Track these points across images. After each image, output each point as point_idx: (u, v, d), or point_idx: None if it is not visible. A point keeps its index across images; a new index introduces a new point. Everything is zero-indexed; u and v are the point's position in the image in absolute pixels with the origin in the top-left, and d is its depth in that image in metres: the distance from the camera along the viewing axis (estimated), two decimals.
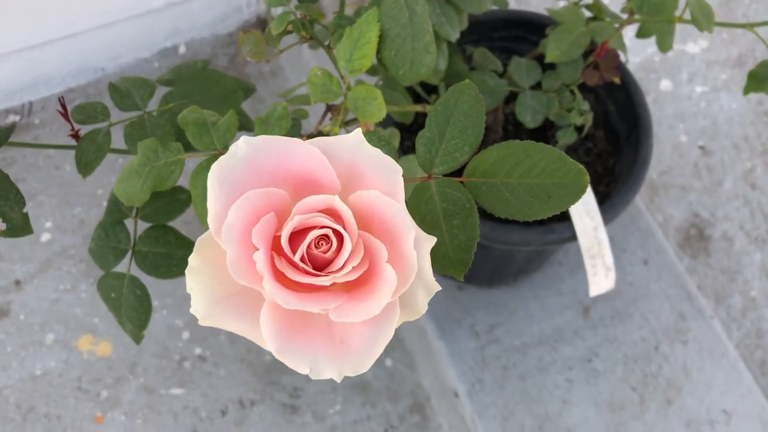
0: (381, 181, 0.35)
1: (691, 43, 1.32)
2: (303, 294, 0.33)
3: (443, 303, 0.99)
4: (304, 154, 0.34)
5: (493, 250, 0.85)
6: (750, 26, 0.78)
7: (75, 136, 0.61)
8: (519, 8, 1.21)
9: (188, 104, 0.62)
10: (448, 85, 0.77)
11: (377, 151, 0.35)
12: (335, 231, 0.34)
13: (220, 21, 1.27)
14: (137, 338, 0.67)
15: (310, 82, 0.57)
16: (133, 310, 0.65)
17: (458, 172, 0.44)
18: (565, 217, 0.78)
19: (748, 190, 1.21)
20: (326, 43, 0.61)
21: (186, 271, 0.35)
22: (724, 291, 1.13)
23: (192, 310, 0.35)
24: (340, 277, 0.34)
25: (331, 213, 0.34)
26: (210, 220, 0.34)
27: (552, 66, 0.77)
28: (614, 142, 0.88)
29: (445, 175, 0.43)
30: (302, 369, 0.34)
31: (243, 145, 0.34)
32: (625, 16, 0.81)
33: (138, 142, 0.49)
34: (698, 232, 1.17)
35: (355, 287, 0.35)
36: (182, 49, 1.28)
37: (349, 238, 0.34)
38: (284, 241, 0.34)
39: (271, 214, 0.34)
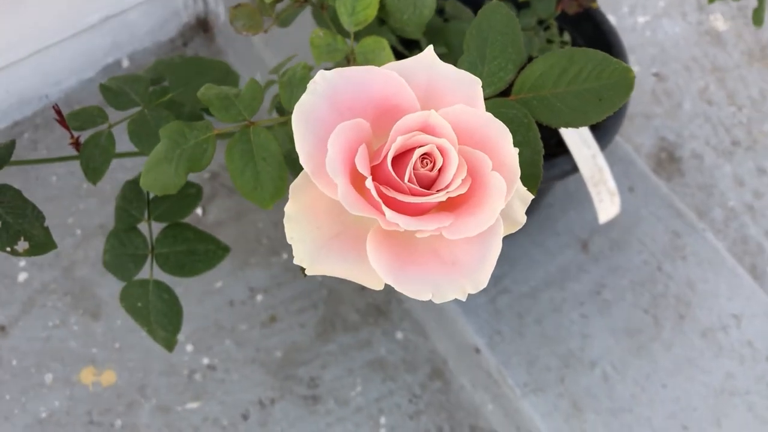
0: (461, 95, 0.34)
1: None
2: (415, 217, 0.33)
3: None
4: (382, 80, 0.34)
5: None
6: None
7: (76, 143, 0.58)
8: None
9: (188, 92, 0.60)
10: (428, 39, 0.77)
11: (451, 67, 0.35)
12: (439, 146, 0.33)
13: (160, 28, 1.23)
14: (171, 344, 0.65)
15: (313, 45, 0.56)
16: (163, 316, 0.62)
17: (506, 93, 0.44)
18: (563, 151, 0.79)
19: (707, 107, 1.25)
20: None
21: (284, 221, 0.34)
22: (704, 206, 1.16)
23: (296, 261, 0.34)
24: (453, 191, 0.33)
25: (428, 131, 0.33)
26: (304, 162, 0.33)
27: (526, 5, 0.78)
28: None
29: (494, 97, 0.43)
30: (424, 295, 0.33)
31: (320, 80, 0.33)
32: None
33: (160, 130, 0.47)
34: (669, 155, 1.20)
35: (459, 205, 0.34)
36: (125, 63, 1.24)
37: (455, 151, 0.33)
38: (389, 165, 0.33)
39: (364, 145, 0.33)
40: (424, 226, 0.32)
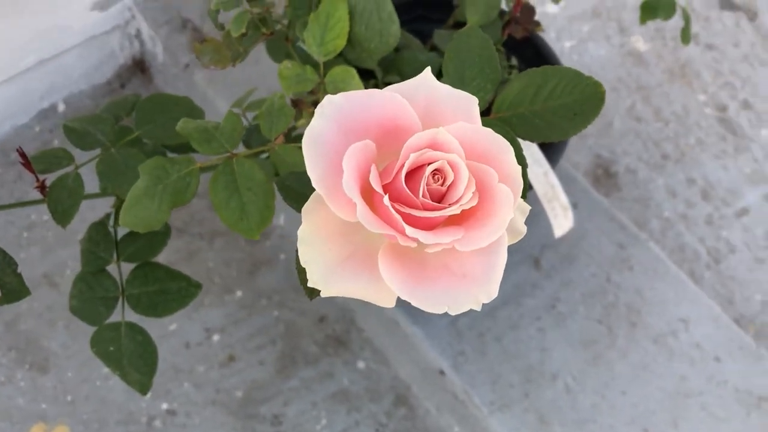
0: (459, 113, 0.36)
1: (549, 4, 1.41)
2: (431, 231, 0.34)
3: None
4: (385, 102, 0.35)
5: None
6: None
7: (41, 186, 0.57)
8: None
9: (156, 129, 0.59)
10: (383, 69, 0.78)
11: (448, 87, 0.36)
12: (449, 162, 0.34)
13: (96, 70, 1.22)
14: (146, 387, 0.63)
15: (282, 76, 0.57)
16: (138, 358, 0.61)
17: (486, 112, 0.45)
18: None
19: (636, 124, 1.31)
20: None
21: (298, 244, 0.34)
22: (642, 218, 1.22)
23: (310, 283, 0.34)
24: (466, 204, 0.34)
25: (436, 147, 0.34)
26: (316, 184, 0.33)
27: None
28: None
29: None
30: (440, 309, 0.34)
31: (327, 104, 0.34)
32: None
33: (139, 166, 0.47)
34: (605, 171, 1.26)
35: (467, 218, 0.35)
36: (61, 107, 1.21)
37: (464, 165, 0.34)
38: (402, 181, 0.34)
39: (374, 165, 0.34)
40: (440, 239, 0.33)
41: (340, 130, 0.34)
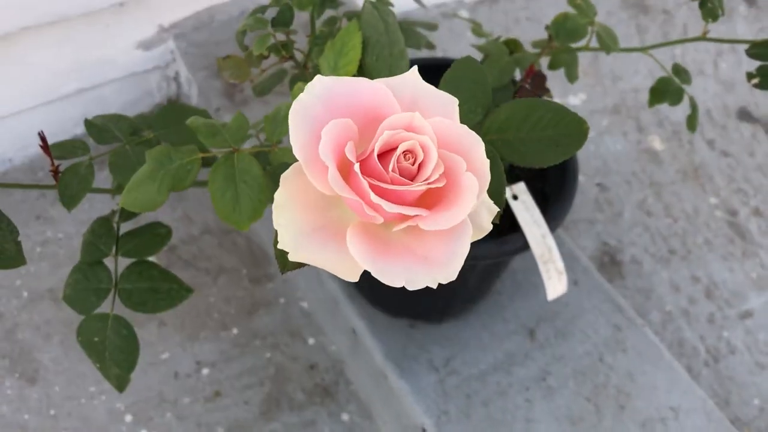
0: (441, 111, 0.38)
1: (571, 96, 1.46)
2: (396, 204, 0.36)
3: (399, 343, 1.00)
4: (372, 90, 0.37)
5: None
6: (644, 50, 0.89)
7: (55, 171, 0.60)
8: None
9: (170, 133, 0.63)
10: None
11: (433, 87, 0.39)
12: (421, 143, 0.37)
13: (132, 105, 1.28)
14: (123, 383, 0.64)
15: (294, 95, 0.60)
16: (119, 352, 0.62)
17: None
18: (515, 229, 0.84)
19: (645, 218, 1.33)
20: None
21: (273, 208, 0.37)
22: (642, 308, 1.22)
23: (279, 245, 0.36)
24: (432, 183, 0.36)
25: (411, 130, 0.37)
26: (297, 152, 0.36)
27: None
28: (538, 169, 0.96)
29: None
30: (398, 282, 0.35)
31: (317, 83, 0.37)
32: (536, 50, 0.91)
33: (146, 152, 0.50)
34: (610, 259, 1.27)
35: (434, 203, 0.37)
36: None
37: (434, 148, 0.36)
38: (375, 156, 0.36)
39: (351, 142, 0.36)
40: (405, 211, 0.35)
41: (326, 107, 0.37)
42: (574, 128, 0.48)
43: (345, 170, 0.37)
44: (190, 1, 1.22)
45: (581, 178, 1.35)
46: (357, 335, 1.03)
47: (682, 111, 1.47)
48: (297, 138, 0.36)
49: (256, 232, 1.20)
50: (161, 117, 0.63)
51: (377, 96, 0.38)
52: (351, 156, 0.36)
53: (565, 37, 0.82)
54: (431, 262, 0.36)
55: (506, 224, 0.88)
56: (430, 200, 0.37)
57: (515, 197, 0.85)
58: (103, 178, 1.14)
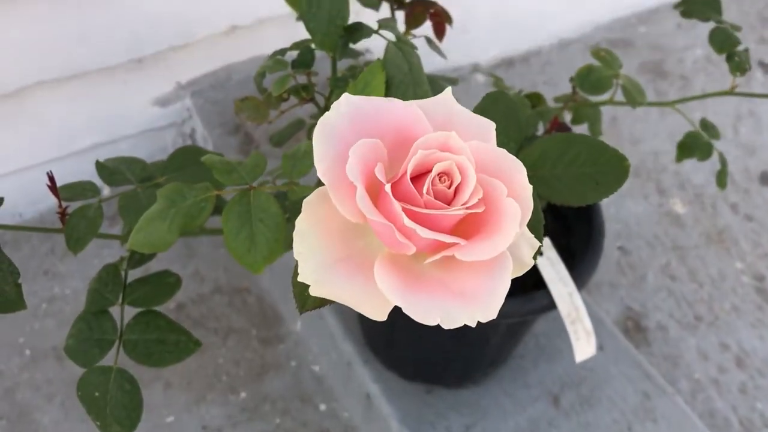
0: (477, 135, 0.35)
1: None
2: (432, 229, 0.32)
3: (415, 409, 0.95)
4: (403, 111, 0.35)
5: (468, 336, 0.84)
6: (672, 104, 0.87)
7: (62, 213, 0.57)
8: None
9: (184, 176, 0.60)
10: None
11: (468, 111, 0.36)
12: (458, 164, 0.34)
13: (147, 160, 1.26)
14: None
15: (309, 133, 0.58)
16: (122, 408, 0.58)
17: None
18: (541, 285, 0.80)
19: (669, 282, 1.28)
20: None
21: (294, 235, 0.33)
22: (670, 376, 1.16)
23: (300, 278, 0.33)
24: (471, 207, 0.33)
25: (446, 150, 0.34)
26: (322, 174, 0.33)
27: None
28: (563, 222, 0.93)
29: None
30: (433, 318, 0.32)
31: (345, 102, 0.34)
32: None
33: (157, 191, 0.47)
34: (635, 324, 1.22)
35: (471, 231, 0.34)
36: (105, 191, 1.25)
37: (472, 169, 0.33)
38: (408, 178, 0.33)
39: (380, 163, 0.34)
40: (441, 238, 0.32)
41: (354, 128, 0.34)
42: (615, 165, 0.45)
43: (374, 195, 0.34)
44: (208, 59, 1.22)
45: None
46: (371, 400, 0.98)
47: (703, 174, 1.44)
48: (322, 159, 0.33)
49: (267, 291, 1.17)
50: (174, 160, 0.61)
51: (408, 117, 0.35)
52: (381, 176, 0.33)
53: (589, 89, 0.80)
54: (468, 299, 0.32)
55: (531, 282, 0.84)
56: (466, 230, 0.34)
57: (540, 253, 0.81)
58: (115, 229, 1.12)
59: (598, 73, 0.80)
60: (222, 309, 1.15)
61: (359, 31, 0.57)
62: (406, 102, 0.35)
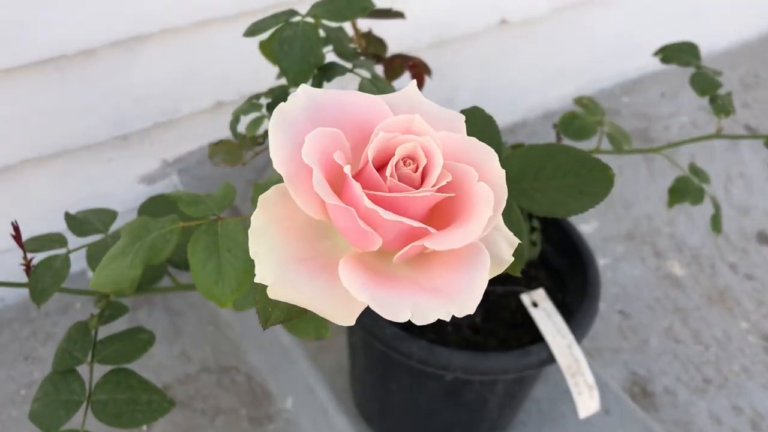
0: (446, 127, 0.33)
1: (583, 224, 1.43)
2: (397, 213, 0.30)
3: None
4: (365, 103, 0.33)
5: (465, 396, 0.80)
6: (658, 150, 0.86)
7: (27, 265, 0.55)
8: None
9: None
10: None
11: (436, 104, 0.34)
12: (423, 145, 0.31)
13: None
14: None
15: None
16: None
17: None
18: (538, 339, 0.77)
19: (674, 345, 1.24)
20: None
21: (250, 233, 0.31)
22: None
23: (258, 278, 0.30)
24: (440, 190, 0.30)
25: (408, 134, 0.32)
26: (278, 166, 0.31)
27: None
28: (557, 279, 0.90)
29: None
30: (404, 314, 0.29)
31: (302, 93, 0.32)
32: None
33: (122, 226, 0.45)
34: (641, 389, 1.17)
35: (444, 223, 0.31)
36: (89, 275, 1.22)
37: (439, 151, 0.31)
38: (370, 163, 0.31)
39: (341, 150, 0.31)
40: (406, 221, 0.29)
41: (311, 119, 0.32)
42: (599, 175, 0.43)
43: (337, 189, 0.31)
44: (195, 136, 1.22)
45: (601, 305, 1.28)
46: None
47: (699, 235, 1.42)
48: (279, 152, 0.31)
49: (256, 369, 1.12)
50: (146, 208, 0.59)
51: (371, 109, 0.33)
52: (340, 161, 0.31)
53: (573, 135, 0.79)
54: (442, 294, 0.30)
55: (526, 340, 0.81)
56: (438, 221, 0.32)
57: (535, 304, 0.78)
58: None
59: (582, 119, 0.80)
60: (210, 389, 1.10)
61: (333, 69, 0.57)
62: (368, 95, 0.34)
